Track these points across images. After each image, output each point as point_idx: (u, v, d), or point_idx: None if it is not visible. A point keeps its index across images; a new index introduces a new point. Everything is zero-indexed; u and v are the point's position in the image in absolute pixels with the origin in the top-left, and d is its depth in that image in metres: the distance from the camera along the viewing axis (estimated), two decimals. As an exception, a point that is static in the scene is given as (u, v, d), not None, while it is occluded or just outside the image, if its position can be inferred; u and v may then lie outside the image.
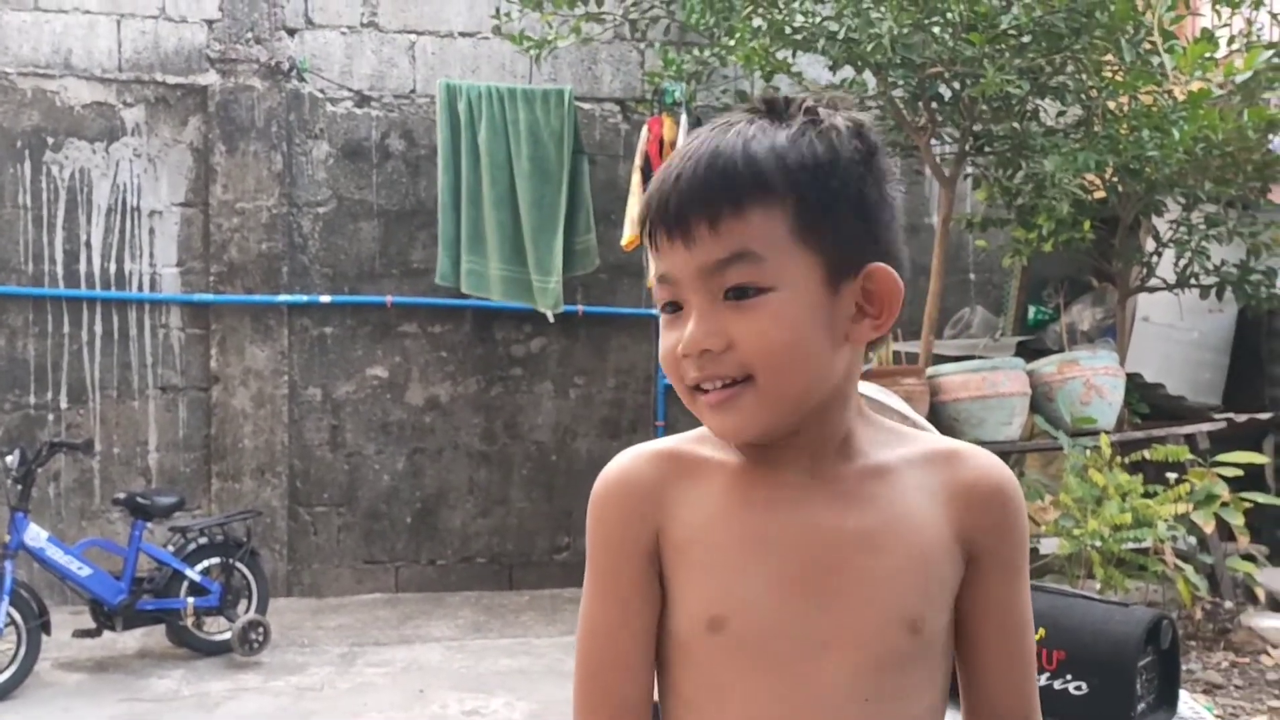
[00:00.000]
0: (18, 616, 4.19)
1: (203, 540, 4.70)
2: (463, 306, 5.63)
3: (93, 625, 4.49)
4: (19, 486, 4.32)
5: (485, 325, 5.75)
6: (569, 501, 5.85)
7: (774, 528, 0.98)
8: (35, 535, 4.32)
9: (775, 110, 0.99)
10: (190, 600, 4.58)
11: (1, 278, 5.28)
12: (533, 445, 5.85)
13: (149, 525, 4.63)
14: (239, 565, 4.73)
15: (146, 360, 5.46)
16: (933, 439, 1.06)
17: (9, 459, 4.37)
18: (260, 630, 4.63)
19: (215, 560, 4.69)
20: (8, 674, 4.19)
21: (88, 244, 5.38)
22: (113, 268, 5.41)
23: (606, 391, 5.91)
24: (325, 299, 5.59)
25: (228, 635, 4.64)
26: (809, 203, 0.95)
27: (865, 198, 0.98)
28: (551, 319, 5.47)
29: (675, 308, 0.97)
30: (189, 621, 4.62)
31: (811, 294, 0.95)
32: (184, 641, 4.68)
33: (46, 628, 4.29)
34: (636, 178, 5.19)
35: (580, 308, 5.74)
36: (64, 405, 5.38)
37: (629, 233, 5.26)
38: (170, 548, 4.66)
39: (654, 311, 5.80)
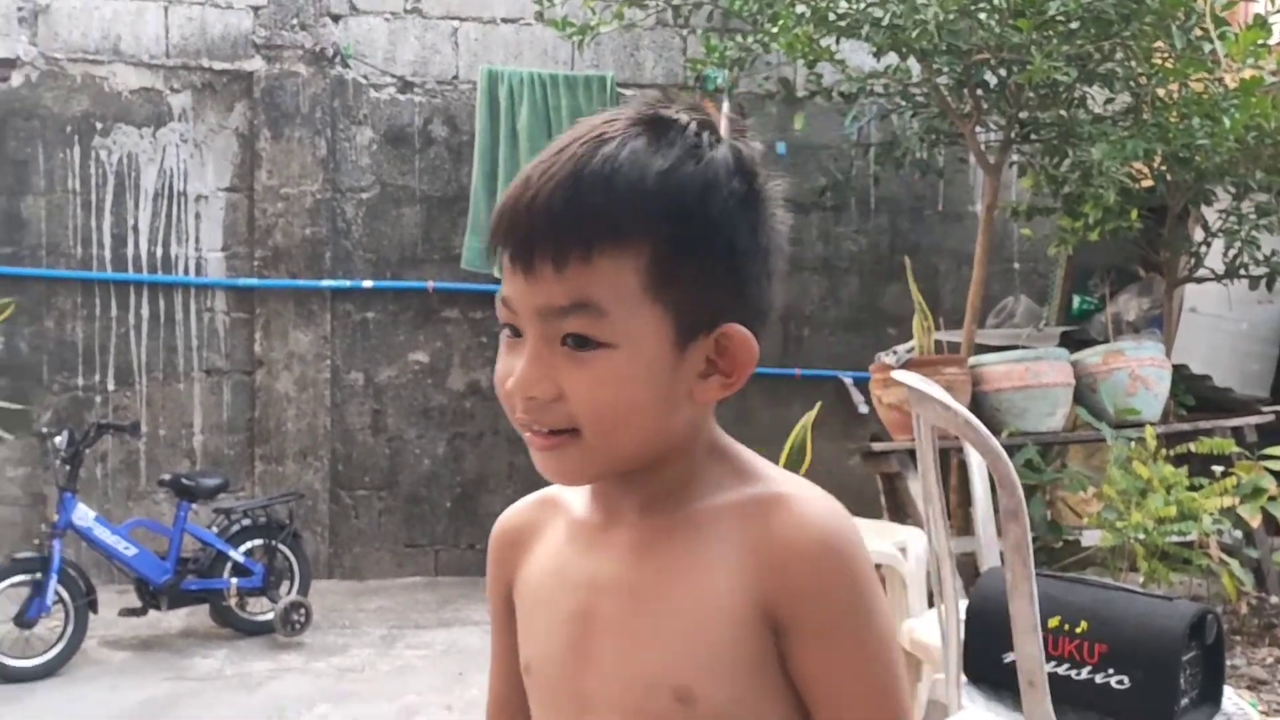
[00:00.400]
0: (65, 594, 4.26)
1: (246, 522, 4.76)
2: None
3: (138, 604, 4.57)
4: (67, 467, 4.40)
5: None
6: (608, 488, 5.87)
7: (566, 576, 0.95)
8: (83, 515, 4.40)
9: (658, 128, 0.88)
10: (234, 581, 4.65)
11: (51, 261, 5.37)
12: (572, 431, 5.87)
13: (194, 506, 4.69)
14: (281, 547, 4.78)
15: (192, 343, 5.53)
16: (770, 482, 0.91)
17: (57, 440, 4.44)
18: (302, 611, 4.68)
19: (258, 542, 4.75)
20: (56, 650, 4.27)
21: (135, 228, 5.45)
22: (159, 252, 5.48)
23: (646, 378, 5.92)
24: (368, 284, 5.63)
25: (270, 616, 4.70)
26: (668, 254, 0.85)
27: (734, 248, 0.88)
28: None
29: (517, 331, 0.89)
30: (232, 602, 4.69)
31: (655, 353, 0.86)
32: (227, 621, 4.74)
33: (94, 606, 4.37)
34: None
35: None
36: (111, 387, 5.46)
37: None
38: (214, 529, 4.72)
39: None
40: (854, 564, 0.86)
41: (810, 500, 0.88)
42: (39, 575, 4.19)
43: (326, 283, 5.58)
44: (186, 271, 5.51)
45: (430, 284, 5.67)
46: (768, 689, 0.87)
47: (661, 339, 0.87)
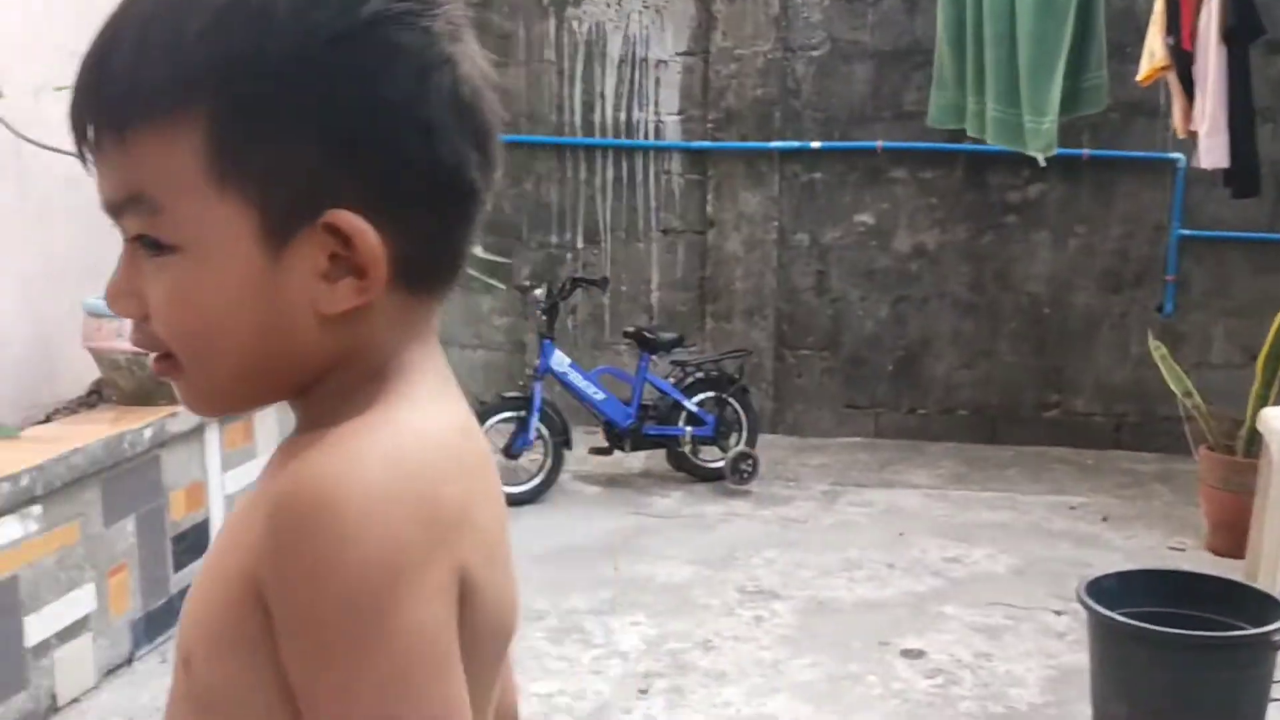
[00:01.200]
0: (545, 432, 4.74)
1: (699, 375, 5.02)
2: (955, 151, 5.44)
3: (605, 444, 4.98)
4: (545, 318, 4.83)
5: (979, 170, 5.53)
6: (1060, 358, 5.59)
7: None
8: (560, 361, 4.83)
9: None
10: (688, 429, 4.94)
11: (529, 128, 5.82)
12: (1024, 297, 5.62)
13: (653, 358, 5.00)
14: (731, 400, 5.01)
15: (650, 204, 5.82)
16: (354, 425, 0.67)
17: (537, 292, 4.89)
18: (750, 462, 4.90)
19: (710, 394, 5.00)
20: (537, 481, 4.78)
21: (601, 95, 5.77)
22: (622, 117, 5.77)
23: (1110, 241, 5.51)
24: (815, 145, 5.62)
25: (720, 464, 4.96)
26: (232, 126, 0.66)
27: (329, 106, 0.66)
28: (1042, 163, 5.12)
29: None
30: (686, 448, 5.00)
31: (234, 256, 0.67)
32: (681, 466, 5.07)
33: (568, 443, 4.82)
34: (1159, 4, 4.68)
35: (1085, 151, 5.35)
36: (580, 245, 5.89)
37: (1145, 66, 4.78)
38: (671, 380, 5.02)
39: (1171, 155, 5.28)
40: (327, 548, 0.61)
41: (336, 450, 0.65)
42: (523, 413, 4.68)
43: (775, 144, 5.63)
44: (646, 135, 5.78)
45: (879, 143, 5.56)
46: (260, 675, 0.67)
47: (242, 236, 0.67)
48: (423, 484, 0.65)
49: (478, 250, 4.50)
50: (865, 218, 5.69)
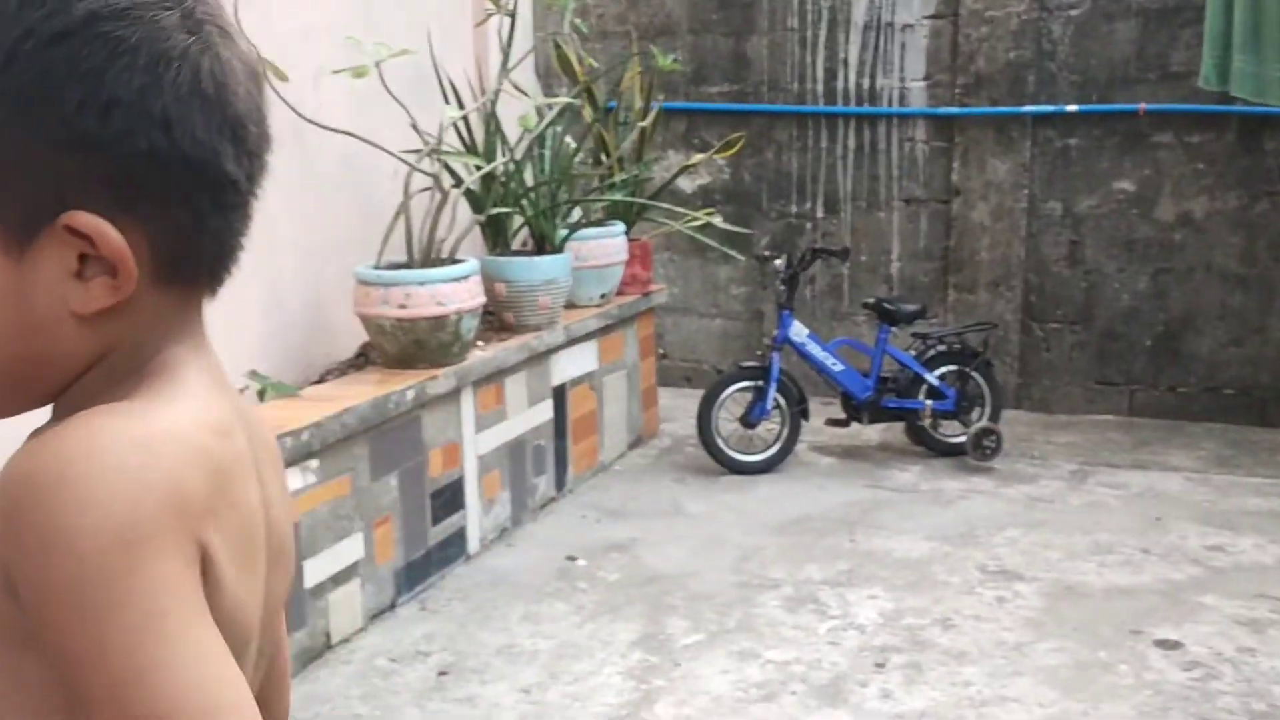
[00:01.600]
0: (783, 401, 4.75)
1: (941, 348, 4.91)
2: (1227, 113, 5.08)
3: (842, 416, 4.95)
4: (785, 288, 4.82)
5: (1253, 134, 5.14)
6: (1343, 335, 5.16)
7: None
8: (798, 331, 4.82)
9: None
10: (928, 403, 4.84)
11: (771, 96, 5.80)
12: (1301, 270, 5.20)
13: (893, 330, 4.92)
14: (974, 374, 4.87)
15: (893, 173, 5.71)
16: (80, 415, 0.66)
17: (777, 263, 4.88)
18: (993, 438, 4.77)
19: (952, 367, 4.88)
20: (773, 450, 4.80)
21: (845, 61, 5.68)
22: (866, 84, 5.67)
23: (1404, 210, 5.03)
24: (1071, 108, 5.36)
25: (961, 439, 4.84)
26: None
27: (59, 106, 0.65)
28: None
29: None
30: (926, 422, 4.90)
31: None
32: (920, 440, 4.98)
33: (805, 414, 4.82)
34: None
35: (1378, 111, 4.89)
36: (820, 215, 5.85)
37: None
38: (911, 352, 4.93)
39: None
40: (64, 516, 0.61)
41: (77, 428, 0.64)
42: (761, 383, 4.71)
43: (1028, 108, 5.41)
44: (890, 102, 5.66)
45: (1141, 106, 5.25)
46: (24, 675, 0.67)
47: None
48: (164, 466, 0.65)
49: (717, 220, 4.57)
50: (1125, 185, 5.39)
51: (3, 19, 0.65)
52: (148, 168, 0.68)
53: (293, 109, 3.42)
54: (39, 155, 0.66)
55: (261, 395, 3.39)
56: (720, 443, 4.74)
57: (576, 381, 4.61)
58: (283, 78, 3.15)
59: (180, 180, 0.69)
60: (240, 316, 3.73)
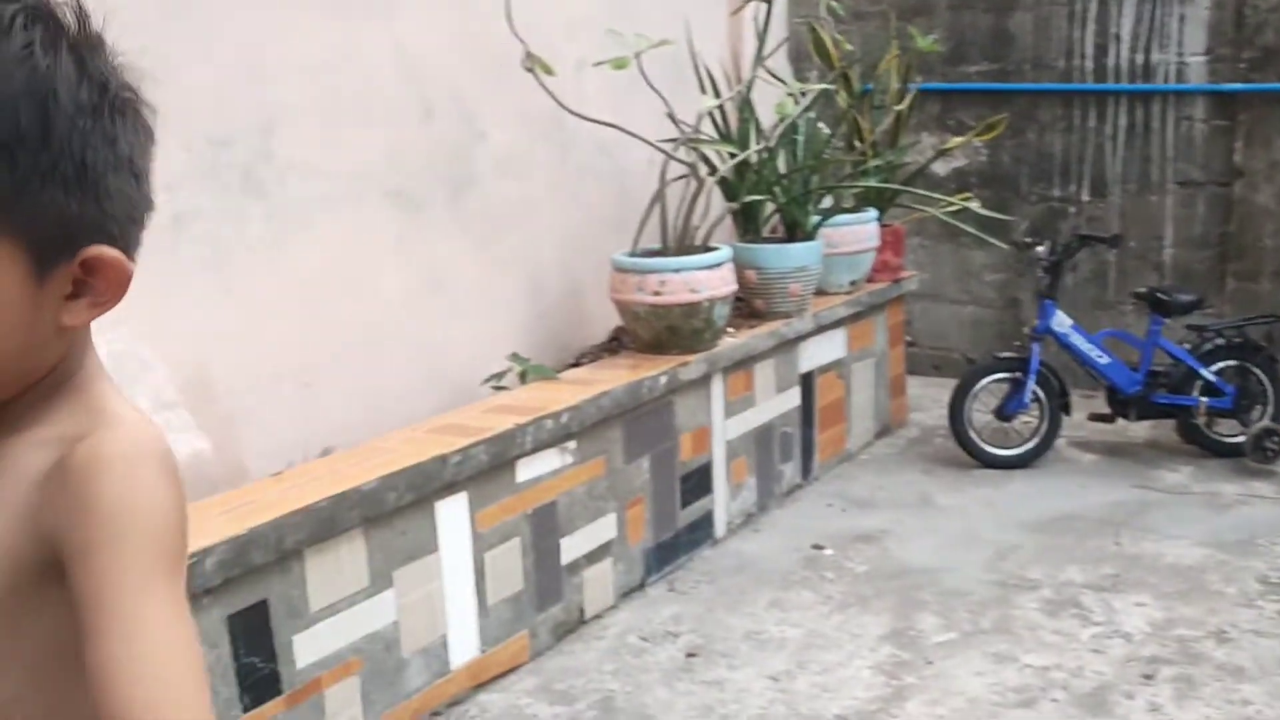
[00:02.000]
0: (1042, 394, 4.55)
1: (1219, 341, 4.58)
2: None
3: (1107, 411, 4.69)
4: (1047, 276, 4.61)
5: None
6: None
7: None
8: (1061, 321, 4.60)
9: None
10: (1203, 400, 4.53)
11: (1034, 75, 5.55)
12: None
13: (1166, 321, 4.63)
14: (1256, 370, 4.53)
15: (1167, 154, 5.36)
16: (105, 417, 0.85)
17: (1039, 249, 4.67)
18: (1275, 439, 4.42)
19: (1231, 363, 4.54)
20: (1030, 445, 4.61)
21: (1117, 37, 5.37)
22: (1140, 59, 5.34)
23: None
24: (1378, 81, 4.89)
25: (1240, 439, 4.52)
26: (7, 180, 0.76)
27: (88, 165, 0.79)
28: None
29: None
30: (1200, 420, 4.59)
31: (9, 293, 0.78)
32: (1193, 439, 4.67)
33: (1067, 408, 4.60)
34: None
35: None
36: (1085, 198, 5.56)
37: None
38: (1186, 345, 4.62)
39: None
40: (120, 488, 0.80)
41: (112, 433, 0.83)
42: (1018, 374, 4.53)
43: (1325, 82, 4.97)
44: (1166, 79, 5.31)
45: None
46: (22, 628, 0.83)
47: (14, 275, 0.78)
48: (173, 464, 0.84)
49: (974, 205, 4.42)
50: None
51: (52, 100, 0.77)
52: (130, 204, 0.84)
53: (556, 99, 3.53)
54: (73, 203, 0.79)
55: (523, 377, 3.53)
56: (973, 435, 4.60)
57: (824, 369, 4.57)
58: (550, 72, 3.25)
59: (143, 221, 0.87)
60: (503, 300, 3.89)
